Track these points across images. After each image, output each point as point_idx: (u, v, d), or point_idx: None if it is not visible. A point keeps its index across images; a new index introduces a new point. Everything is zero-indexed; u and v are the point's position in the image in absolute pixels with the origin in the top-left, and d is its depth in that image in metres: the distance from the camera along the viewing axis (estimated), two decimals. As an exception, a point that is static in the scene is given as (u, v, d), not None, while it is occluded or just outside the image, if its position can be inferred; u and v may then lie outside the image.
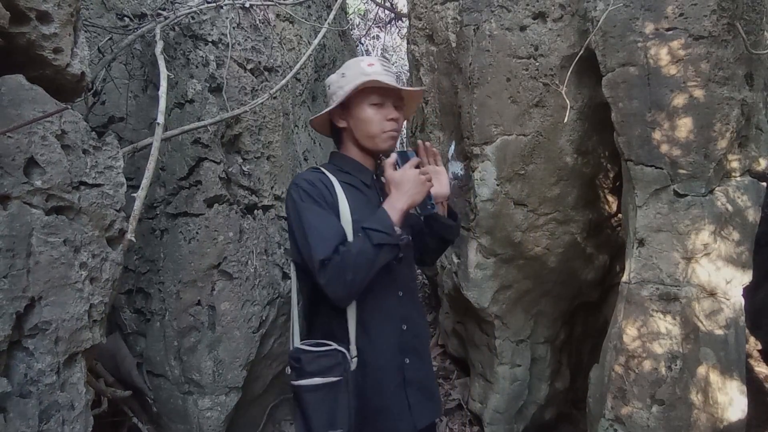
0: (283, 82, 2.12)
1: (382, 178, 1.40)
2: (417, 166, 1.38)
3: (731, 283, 1.75)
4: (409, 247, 1.52)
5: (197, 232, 1.94)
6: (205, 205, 1.96)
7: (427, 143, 1.54)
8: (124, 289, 1.98)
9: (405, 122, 1.80)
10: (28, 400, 1.04)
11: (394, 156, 1.40)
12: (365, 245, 1.24)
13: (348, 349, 1.30)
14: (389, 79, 1.41)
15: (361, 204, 1.39)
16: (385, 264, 1.32)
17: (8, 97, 1.07)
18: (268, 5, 2.32)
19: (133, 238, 1.40)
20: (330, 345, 1.30)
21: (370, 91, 1.41)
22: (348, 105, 1.43)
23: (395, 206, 1.30)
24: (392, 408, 1.37)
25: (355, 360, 1.31)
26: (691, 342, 1.73)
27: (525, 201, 2.21)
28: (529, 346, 2.50)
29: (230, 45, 2.05)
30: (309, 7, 2.88)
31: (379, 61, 1.45)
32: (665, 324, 1.75)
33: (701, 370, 1.71)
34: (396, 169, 1.37)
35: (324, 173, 1.43)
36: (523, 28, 2.12)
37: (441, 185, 1.51)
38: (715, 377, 1.70)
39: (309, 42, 2.62)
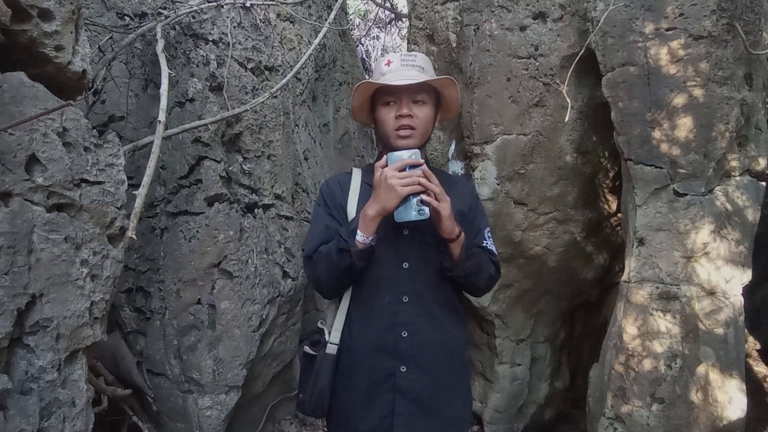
0: (284, 81, 2.12)
1: None
2: (404, 169, 1.23)
3: (731, 283, 1.76)
4: (431, 249, 1.37)
5: (197, 231, 1.94)
6: (206, 204, 1.96)
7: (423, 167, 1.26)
8: (124, 287, 1.98)
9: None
10: (28, 397, 1.04)
11: (384, 158, 1.30)
12: (332, 248, 1.31)
13: (329, 334, 1.40)
14: (403, 75, 1.34)
15: None
16: (385, 267, 1.35)
17: (9, 94, 1.07)
18: (268, 5, 2.32)
19: (134, 236, 1.40)
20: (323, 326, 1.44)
21: (381, 91, 1.39)
22: (373, 107, 1.45)
23: (365, 212, 1.27)
24: (359, 406, 1.33)
25: (334, 346, 1.38)
26: (690, 341, 1.73)
27: (525, 200, 2.21)
28: (529, 346, 2.50)
29: (231, 44, 2.05)
30: (309, 7, 2.88)
31: (399, 57, 1.40)
32: (665, 323, 1.75)
33: (701, 368, 1.71)
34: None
35: (350, 174, 1.49)
36: (523, 28, 2.12)
37: (439, 215, 1.26)
38: (714, 376, 1.71)
39: (309, 42, 2.62)
